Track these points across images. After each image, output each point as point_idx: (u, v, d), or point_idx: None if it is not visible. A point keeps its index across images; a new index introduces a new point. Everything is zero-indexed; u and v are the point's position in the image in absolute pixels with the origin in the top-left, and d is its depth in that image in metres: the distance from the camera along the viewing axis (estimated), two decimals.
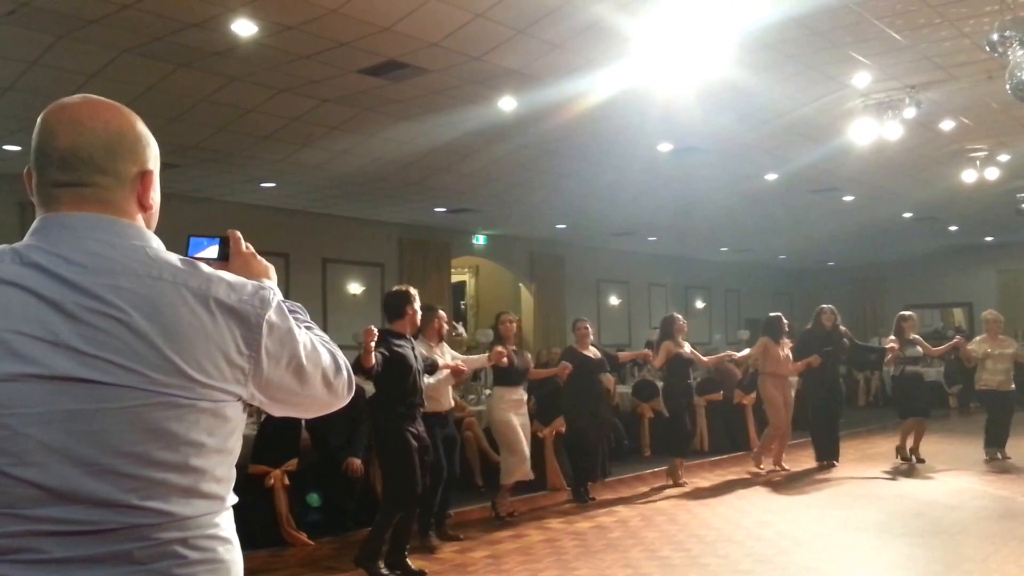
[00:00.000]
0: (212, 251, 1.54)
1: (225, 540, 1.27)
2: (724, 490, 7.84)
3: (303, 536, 5.67)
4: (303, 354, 1.35)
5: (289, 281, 11.82)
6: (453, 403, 6.10)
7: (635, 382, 10.42)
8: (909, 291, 21.24)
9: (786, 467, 8.83)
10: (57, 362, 1.16)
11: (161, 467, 1.19)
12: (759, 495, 7.55)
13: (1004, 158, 10.41)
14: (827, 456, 9.05)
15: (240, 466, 5.23)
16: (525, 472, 6.61)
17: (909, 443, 9.22)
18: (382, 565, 4.97)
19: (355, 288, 13.54)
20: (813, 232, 16.42)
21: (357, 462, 5.80)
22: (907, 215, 14.85)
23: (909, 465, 9.23)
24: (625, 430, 9.22)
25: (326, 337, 1.46)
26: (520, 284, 16.70)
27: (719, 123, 8.55)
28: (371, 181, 10.62)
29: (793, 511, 6.78)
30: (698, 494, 7.67)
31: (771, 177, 11.22)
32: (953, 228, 16.83)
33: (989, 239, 18.76)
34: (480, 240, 15.67)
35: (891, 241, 17.89)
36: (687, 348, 8.10)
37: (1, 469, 1.13)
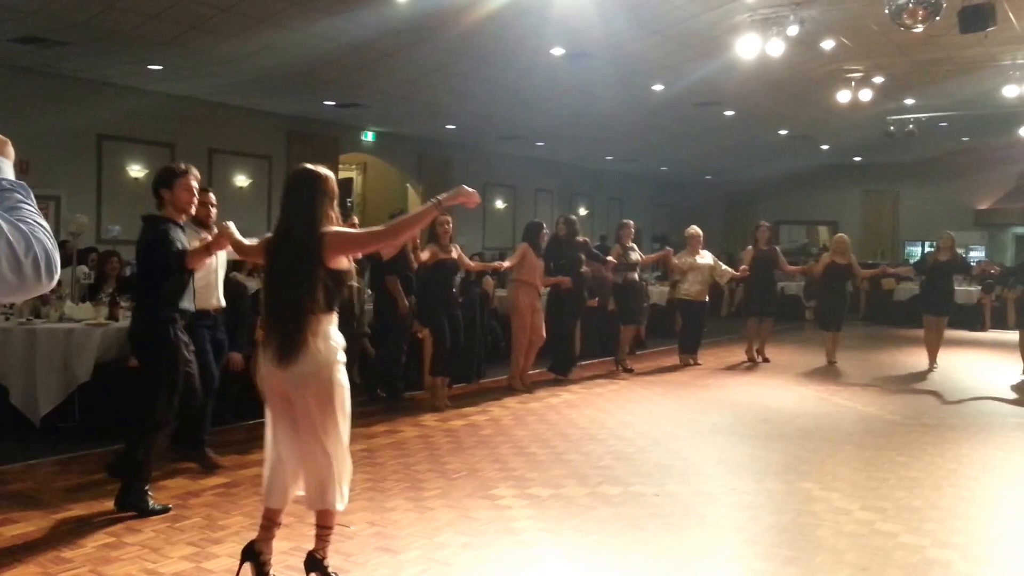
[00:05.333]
0: None
1: None
2: (592, 393, 8.18)
3: None
4: None
5: None
6: (223, 302, 5.22)
7: None
8: (779, 207, 22.31)
9: (528, 387, 8.14)
10: None
11: None
12: (624, 398, 7.93)
13: (878, 80, 10.90)
14: (561, 367, 8.77)
15: (122, 359, 4.92)
16: None
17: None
18: (151, 496, 4.27)
19: (242, 180, 13.12)
20: (694, 145, 16.88)
21: (238, 356, 5.70)
22: (783, 132, 15.44)
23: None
24: (502, 333, 9.41)
25: (36, 220, 1.41)
26: (408, 184, 16.48)
27: (612, 30, 8.54)
28: (261, 69, 10.17)
29: (653, 414, 7.16)
30: (567, 396, 7.98)
31: (658, 88, 11.36)
32: (824, 147, 17.66)
33: (857, 159, 19.80)
34: (369, 137, 15.33)
35: (766, 157, 18.63)
36: (455, 253, 7.33)
37: None
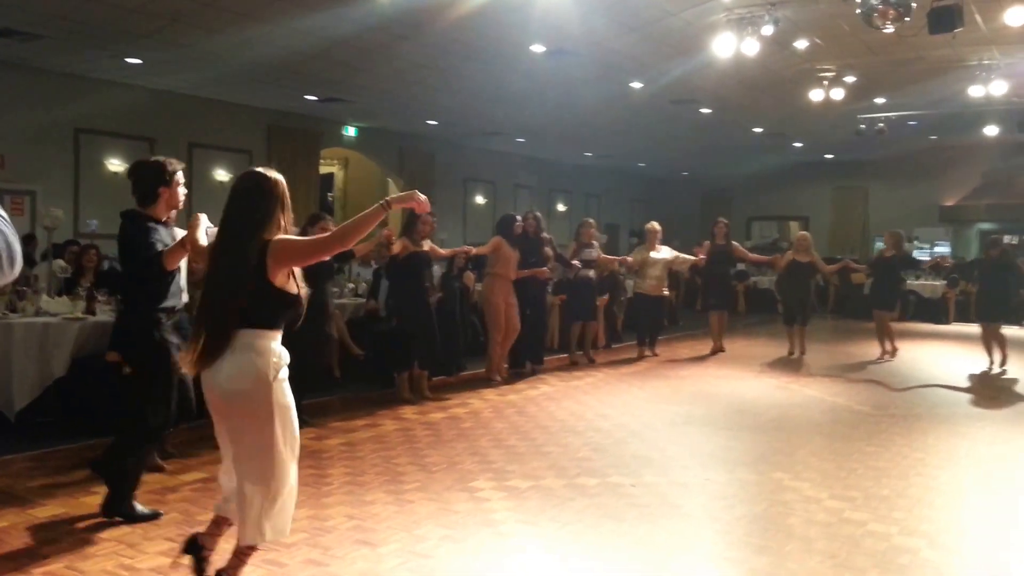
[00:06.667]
0: None
1: None
2: (570, 385, 8.27)
3: None
4: None
5: None
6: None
7: None
8: (752, 203, 22.57)
9: (499, 377, 8.35)
10: None
11: None
12: (602, 391, 8.02)
13: (850, 79, 11.07)
14: (533, 359, 8.95)
15: (99, 354, 4.93)
16: None
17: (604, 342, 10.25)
18: (136, 503, 4.14)
19: (222, 175, 13.04)
20: (671, 142, 17.01)
21: None
22: (757, 130, 15.61)
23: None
24: (481, 327, 9.45)
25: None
26: (389, 179, 16.47)
27: (591, 27, 8.60)
28: (242, 63, 10.12)
29: (631, 406, 7.26)
30: (545, 388, 8.07)
31: (636, 85, 11.45)
32: (797, 145, 17.87)
33: (829, 157, 20.06)
34: (351, 132, 15.28)
35: (740, 155, 18.80)
36: (427, 245, 7.26)
37: None
